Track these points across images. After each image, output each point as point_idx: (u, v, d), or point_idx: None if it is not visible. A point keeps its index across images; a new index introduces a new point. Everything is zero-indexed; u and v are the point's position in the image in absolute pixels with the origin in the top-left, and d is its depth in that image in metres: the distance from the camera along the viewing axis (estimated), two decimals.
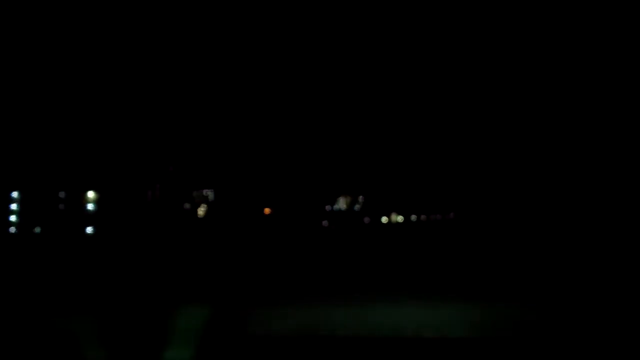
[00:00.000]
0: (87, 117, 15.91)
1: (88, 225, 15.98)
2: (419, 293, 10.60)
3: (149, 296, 10.34)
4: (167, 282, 11.33)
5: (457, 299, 10.16)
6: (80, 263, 13.54)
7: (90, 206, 16.10)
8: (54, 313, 9.43)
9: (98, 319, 8.99)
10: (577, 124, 15.85)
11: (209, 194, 17.11)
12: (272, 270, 12.49)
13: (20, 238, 15.77)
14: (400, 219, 17.19)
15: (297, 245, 15.20)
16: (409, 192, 17.12)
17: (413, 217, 17.12)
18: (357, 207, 17.41)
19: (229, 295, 10.11)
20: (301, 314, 9.44)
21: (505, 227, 16.26)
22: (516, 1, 15.35)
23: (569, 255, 13.66)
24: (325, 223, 17.02)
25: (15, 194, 15.92)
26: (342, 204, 17.46)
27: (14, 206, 15.97)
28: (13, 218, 15.92)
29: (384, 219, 17.18)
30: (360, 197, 17.47)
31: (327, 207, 17.32)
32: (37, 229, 15.97)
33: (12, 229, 15.85)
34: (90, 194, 16.04)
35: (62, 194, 16.06)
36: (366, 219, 17.22)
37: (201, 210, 16.91)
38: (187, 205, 16.96)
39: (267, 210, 17.20)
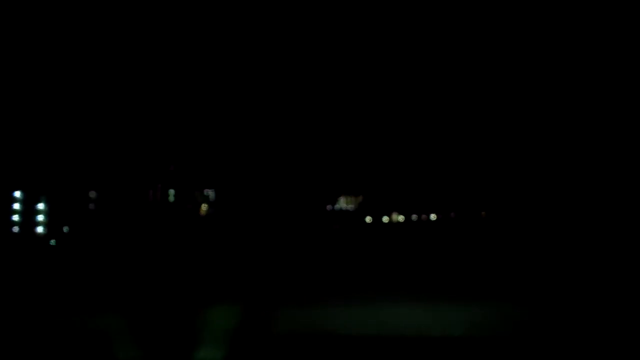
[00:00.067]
0: (89, 117, 15.92)
1: (91, 225, 15.97)
2: (425, 293, 10.64)
3: (176, 296, 10.33)
4: (193, 282, 11.31)
5: (458, 299, 10.23)
6: (95, 262, 13.54)
7: (92, 205, 16.09)
8: (81, 312, 9.41)
9: (128, 318, 8.96)
10: (577, 124, 15.87)
11: (210, 193, 17.09)
12: (282, 270, 12.48)
13: (26, 238, 15.74)
14: (401, 218, 17.19)
15: (303, 245, 15.21)
16: (410, 192, 17.12)
17: (414, 217, 17.12)
18: (358, 206, 17.41)
19: (248, 295, 10.10)
20: (320, 314, 9.45)
21: (506, 226, 16.27)
22: (516, 1, 15.37)
23: (569, 255, 13.69)
24: (335, 225, 17.00)
25: (17, 194, 15.87)
26: (342, 203, 17.43)
27: (16, 206, 15.92)
28: (16, 218, 15.87)
29: (385, 219, 17.17)
30: (361, 196, 17.45)
31: (328, 207, 17.30)
32: (40, 229, 15.94)
33: (15, 229, 15.81)
34: (94, 194, 16.03)
35: (66, 194, 16.03)
36: (368, 219, 17.20)
37: (203, 209, 16.91)
38: (188, 205, 16.93)
39: (268, 210, 17.18)
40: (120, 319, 8.79)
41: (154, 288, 10.92)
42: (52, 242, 15.75)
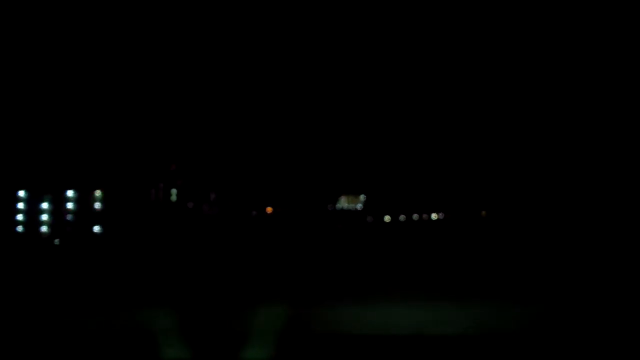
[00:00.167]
0: (91, 117, 15.95)
1: (95, 224, 16.01)
2: (430, 293, 10.64)
3: (221, 296, 10.31)
4: (236, 282, 11.30)
5: (460, 298, 10.26)
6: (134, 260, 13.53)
7: (97, 205, 16.12)
8: (129, 309, 9.37)
9: (176, 317, 8.94)
10: (578, 124, 15.89)
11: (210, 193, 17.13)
12: (297, 271, 12.49)
13: (30, 238, 15.77)
14: (402, 218, 17.20)
15: (310, 244, 15.24)
16: (411, 191, 17.13)
17: (415, 216, 17.14)
18: (359, 206, 17.41)
19: (286, 295, 10.06)
20: (352, 313, 9.44)
21: (507, 226, 16.28)
22: (516, 1, 15.40)
23: (570, 254, 13.71)
24: (338, 225, 17.04)
25: (21, 193, 15.92)
26: (344, 203, 17.43)
27: (20, 205, 15.97)
28: (20, 217, 15.93)
29: (387, 218, 17.19)
30: (362, 196, 17.45)
31: (329, 206, 17.33)
32: (44, 228, 15.98)
33: (20, 228, 15.86)
34: (97, 193, 16.06)
35: (70, 193, 16.07)
36: (369, 218, 17.22)
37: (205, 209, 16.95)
38: (190, 204, 16.97)
39: (269, 210, 17.21)
40: (167, 318, 8.81)
41: (200, 288, 10.98)
42: (56, 241, 15.83)
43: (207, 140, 16.62)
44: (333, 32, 15.83)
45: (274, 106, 16.49)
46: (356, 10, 15.59)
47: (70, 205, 16.03)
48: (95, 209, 16.05)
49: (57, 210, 15.99)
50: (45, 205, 15.96)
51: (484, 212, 16.96)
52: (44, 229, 15.90)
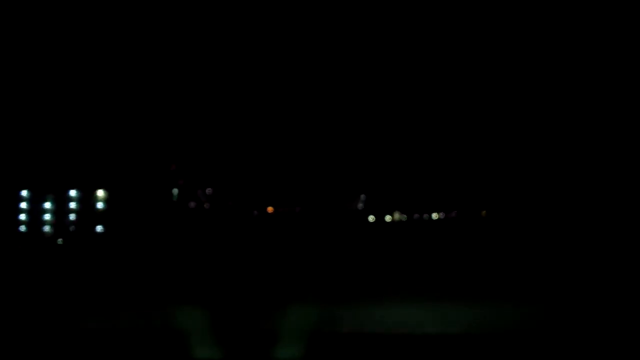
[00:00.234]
0: (93, 117, 15.99)
1: (98, 224, 16.05)
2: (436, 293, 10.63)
3: (252, 295, 10.30)
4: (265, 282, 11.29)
5: (461, 298, 10.27)
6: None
7: (100, 205, 16.15)
8: (160, 309, 9.34)
9: (207, 317, 8.93)
10: (578, 123, 15.93)
11: (211, 192, 17.17)
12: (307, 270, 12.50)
13: (34, 237, 15.81)
14: (404, 217, 17.24)
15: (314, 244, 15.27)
16: (411, 191, 17.17)
17: (416, 216, 17.18)
18: (360, 205, 17.45)
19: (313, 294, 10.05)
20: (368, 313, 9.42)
21: (506, 225, 16.32)
22: (516, 1, 15.44)
23: (570, 254, 13.73)
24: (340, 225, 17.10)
25: (24, 193, 15.94)
26: (345, 202, 17.48)
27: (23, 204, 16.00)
28: (23, 217, 15.95)
29: (388, 218, 17.23)
30: (363, 195, 17.49)
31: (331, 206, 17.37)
32: (47, 228, 16.01)
33: (22, 228, 15.89)
34: (100, 193, 16.09)
35: (72, 193, 16.10)
36: (370, 218, 17.26)
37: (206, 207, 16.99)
38: (191, 204, 17.02)
39: (270, 209, 17.25)
40: (199, 318, 8.82)
41: (231, 288, 10.98)
42: (59, 241, 15.85)
43: (207, 140, 16.65)
44: (334, 32, 15.87)
45: (275, 106, 16.53)
46: (356, 10, 15.63)
47: (72, 205, 16.07)
48: (97, 209, 16.08)
49: (60, 209, 16.02)
50: (47, 205, 15.99)
51: (484, 212, 17.00)
52: (46, 228, 15.93)
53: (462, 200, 17.00)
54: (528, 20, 15.47)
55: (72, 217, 16.03)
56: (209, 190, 17.02)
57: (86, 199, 16.09)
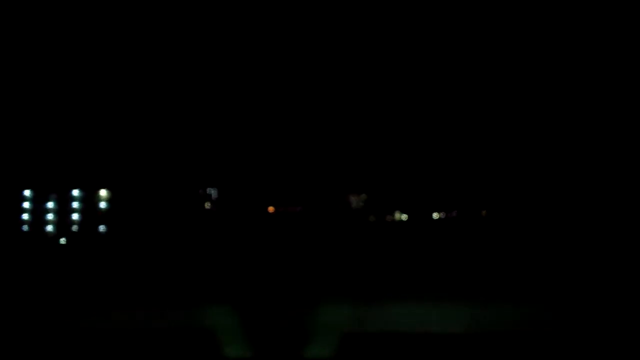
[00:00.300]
0: (97, 117, 16.02)
1: (100, 224, 16.09)
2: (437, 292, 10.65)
3: (283, 294, 10.30)
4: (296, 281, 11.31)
5: (461, 298, 10.30)
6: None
7: (103, 204, 16.19)
8: (188, 307, 9.33)
9: (238, 316, 8.93)
10: (578, 123, 15.94)
11: (212, 192, 17.18)
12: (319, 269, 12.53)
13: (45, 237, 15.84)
14: (404, 217, 17.26)
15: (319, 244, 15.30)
16: (412, 190, 17.18)
17: (417, 216, 17.20)
18: (361, 205, 17.47)
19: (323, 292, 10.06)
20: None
21: (506, 225, 16.33)
22: (516, 1, 15.44)
23: (570, 254, 13.74)
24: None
25: (27, 192, 15.98)
26: (346, 202, 17.48)
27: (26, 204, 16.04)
28: (26, 216, 15.99)
29: (389, 217, 17.24)
30: (363, 195, 17.49)
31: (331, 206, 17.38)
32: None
33: (25, 227, 15.92)
34: (103, 192, 16.13)
35: (75, 192, 16.14)
36: (372, 217, 17.27)
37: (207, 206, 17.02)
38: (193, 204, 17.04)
39: (271, 209, 17.27)
40: (230, 317, 8.86)
41: (262, 287, 10.99)
42: (62, 240, 15.88)
43: (209, 140, 16.69)
44: (335, 32, 15.89)
45: (276, 105, 16.55)
46: (356, 10, 15.63)
47: (75, 205, 16.11)
48: (100, 208, 16.12)
49: (63, 209, 16.06)
50: (50, 205, 16.02)
51: (484, 212, 17.01)
52: (49, 228, 15.96)
53: (463, 200, 17.02)
54: (528, 21, 15.48)
55: (74, 216, 16.05)
56: (211, 190, 17.06)
57: (89, 199, 16.12)
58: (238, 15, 15.59)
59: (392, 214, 17.28)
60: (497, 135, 16.50)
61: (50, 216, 16.01)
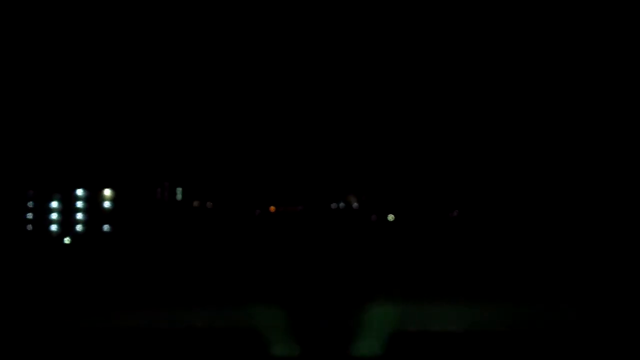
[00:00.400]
0: (101, 116, 16.04)
1: (105, 223, 16.09)
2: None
3: (331, 294, 10.29)
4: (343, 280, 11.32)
5: (462, 297, 10.34)
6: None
7: (107, 204, 16.19)
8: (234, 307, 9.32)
9: (284, 314, 8.92)
10: (578, 123, 15.94)
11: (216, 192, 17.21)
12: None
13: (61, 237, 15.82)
14: (391, 217, 17.21)
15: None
16: (413, 189, 17.16)
17: (417, 215, 17.16)
18: (362, 205, 17.45)
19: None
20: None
21: (507, 225, 16.33)
22: (516, 1, 15.45)
23: (570, 254, 13.77)
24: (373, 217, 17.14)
25: (31, 192, 15.98)
26: (347, 202, 17.46)
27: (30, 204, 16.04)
28: (29, 216, 15.99)
29: (390, 217, 17.22)
30: (364, 194, 17.48)
31: (333, 205, 17.38)
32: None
33: (29, 227, 15.93)
34: (107, 192, 16.12)
35: (79, 192, 16.14)
36: (373, 217, 17.26)
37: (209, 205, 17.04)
38: (195, 203, 17.05)
39: (272, 209, 17.28)
40: (277, 316, 9.08)
41: (311, 286, 11.00)
42: (66, 240, 15.87)
43: (209, 140, 16.69)
44: (334, 32, 15.89)
45: (276, 105, 16.56)
46: (356, 10, 15.64)
47: (79, 204, 16.11)
48: (104, 208, 16.13)
49: (67, 209, 16.06)
50: (54, 204, 16.03)
51: (484, 212, 16.99)
52: (53, 227, 15.96)
53: (463, 199, 17.00)
54: (528, 21, 15.49)
55: (79, 216, 16.07)
56: (213, 190, 17.08)
57: (93, 198, 16.13)
58: (238, 15, 15.61)
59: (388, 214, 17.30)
60: (497, 135, 16.51)
61: (54, 216, 15.99)
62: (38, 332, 8.96)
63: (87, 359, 8.47)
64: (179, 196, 16.87)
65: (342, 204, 17.46)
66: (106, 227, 16.03)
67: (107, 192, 16.14)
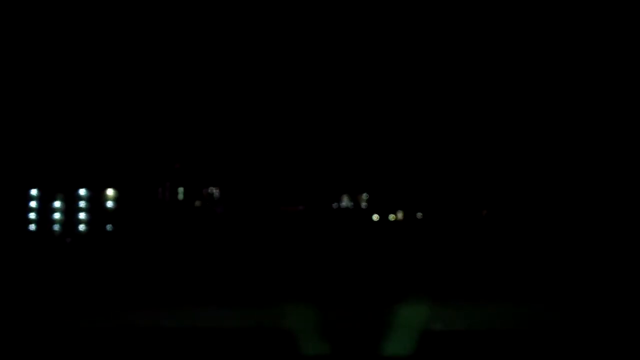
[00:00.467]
0: (104, 116, 16.06)
1: (108, 223, 16.11)
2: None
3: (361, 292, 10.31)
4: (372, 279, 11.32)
5: (462, 297, 10.38)
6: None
7: (110, 203, 16.22)
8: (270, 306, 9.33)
9: (314, 314, 8.93)
10: (578, 123, 15.95)
11: (214, 191, 17.19)
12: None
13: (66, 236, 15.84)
14: (392, 217, 17.20)
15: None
16: (414, 189, 17.15)
17: (419, 215, 17.15)
18: (363, 204, 17.45)
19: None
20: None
21: (507, 225, 16.34)
22: (516, 1, 15.45)
23: (570, 254, 13.79)
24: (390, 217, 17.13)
25: (34, 192, 16.01)
26: (347, 201, 17.44)
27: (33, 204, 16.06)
28: (32, 215, 16.01)
29: (392, 217, 17.23)
30: (365, 194, 17.47)
31: (334, 205, 17.38)
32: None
33: (32, 227, 15.95)
34: (110, 192, 16.14)
35: (82, 192, 16.16)
36: (375, 217, 17.26)
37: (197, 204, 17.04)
38: (197, 203, 17.06)
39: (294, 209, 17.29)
40: (307, 315, 9.06)
41: (338, 285, 11.01)
42: (69, 240, 15.88)
43: (210, 139, 16.71)
44: (334, 32, 15.89)
45: (277, 104, 16.57)
46: (356, 10, 15.65)
47: (82, 204, 16.13)
48: (107, 208, 16.15)
49: (70, 208, 16.08)
50: (57, 204, 16.05)
51: (484, 211, 16.98)
52: (56, 227, 15.98)
53: (464, 199, 17.00)
54: (528, 21, 15.50)
55: (82, 216, 16.09)
56: (214, 190, 17.10)
57: (96, 198, 16.16)
58: (238, 15, 15.62)
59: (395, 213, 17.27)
60: (497, 135, 16.52)
61: (57, 215, 16.02)
62: (41, 331, 8.97)
63: (91, 358, 8.47)
64: (180, 196, 16.86)
65: (350, 204, 17.44)
66: (109, 227, 16.04)
67: (110, 191, 16.16)
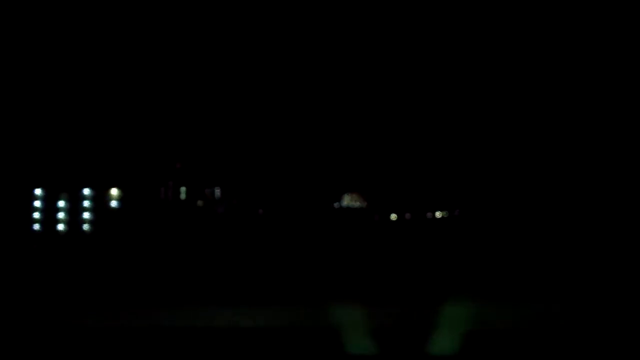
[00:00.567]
0: (108, 117, 16.11)
1: (111, 222, 16.14)
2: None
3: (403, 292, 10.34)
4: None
5: (462, 297, 10.43)
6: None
7: (113, 203, 16.26)
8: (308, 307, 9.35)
9: (356, 313, 8.95)
10: (577, 123, 15.98)
11: (216, 191, 17.23)
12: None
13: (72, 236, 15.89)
14: (407, 216, 17.21)
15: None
16: (414, 189, 17.17)
17: (419, 215, 17.17)
18: (364, 204, 17.48)
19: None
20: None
21: (507, 225, 16.36)
22: (516, 1, 15.49)
23: (570, 254, 13.82)
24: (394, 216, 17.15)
25: (38, 191, 16.05)
26: (347, 201, 17.48)
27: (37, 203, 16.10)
28: (37, 215, 16.06)
29: (393, 216, 17.25)
30: (366, 194, 17.50)
31: (336, 205, 17.40)
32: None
33: (37, 226, 15.99)
34: (114, 191, 16.19)
35: (86, 191, 16.20)
36: (376, 216, 17.29)
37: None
38: (199, 203, 17.10)
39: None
40: (350, 314, 9.13)
41: (382, 285, 11.03)
42: (73, 239, 15.89)
43: (211, 139, 16.75)
44: (335, 32, 15.93)
45: (278, 105, 16.60)
46: (356, 10, 15.68)
47: (86, 204, 16.18)
48: (111, 207, 16.20)
49: (74, 208, 16.12)
50: (61, 204, 16.10)
51: (484, 212, 17.01)
52: (60, 227, 16.02)
53: (465, 199, 17.02)
54: (528, 21, 15.53)
55: (86, 215, 16.13)
56: (215, 189, 17.13)
57: (100, 198, 16.20)
58: (238, 15, 15.66)
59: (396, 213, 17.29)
60: (498, 135, 16.55)
61: (61, 215, 16.06)
62: (43, 330, 8.99)
63: (94, 357, 8.48)
64: (182, 195, 16.90)
65: (358, 204, 17.46)
66: (112, 226, 16.09)
67: (114, 191, 16.20)
